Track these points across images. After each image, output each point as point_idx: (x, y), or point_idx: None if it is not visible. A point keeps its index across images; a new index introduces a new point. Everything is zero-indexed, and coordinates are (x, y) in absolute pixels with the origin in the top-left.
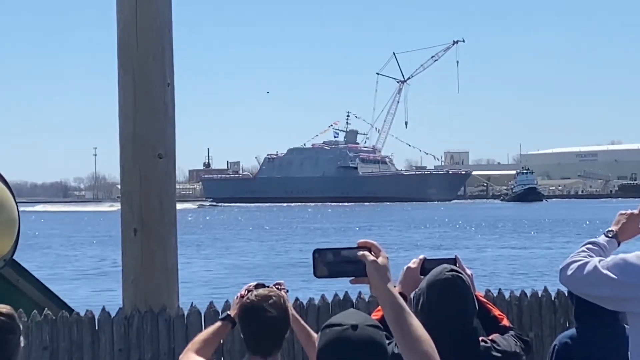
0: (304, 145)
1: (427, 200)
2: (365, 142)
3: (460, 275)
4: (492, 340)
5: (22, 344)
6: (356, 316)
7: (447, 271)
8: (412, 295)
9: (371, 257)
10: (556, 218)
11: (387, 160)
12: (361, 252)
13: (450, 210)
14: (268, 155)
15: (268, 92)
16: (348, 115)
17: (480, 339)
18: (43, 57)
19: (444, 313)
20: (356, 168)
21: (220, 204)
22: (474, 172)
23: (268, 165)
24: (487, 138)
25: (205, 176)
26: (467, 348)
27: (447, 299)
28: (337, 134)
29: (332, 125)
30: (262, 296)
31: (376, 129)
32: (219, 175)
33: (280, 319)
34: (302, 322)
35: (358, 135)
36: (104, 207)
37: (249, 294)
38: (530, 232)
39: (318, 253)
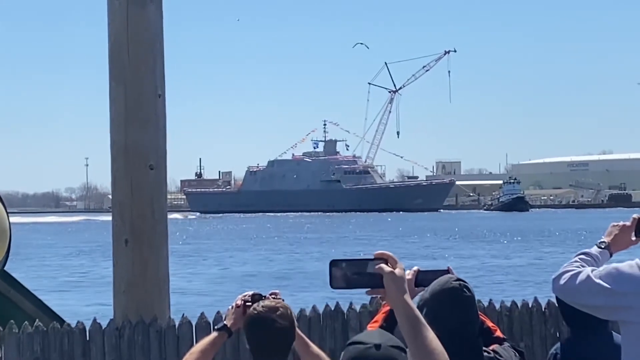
0: (284, 153)
1: (414, 211)
2: (347, 149)
3: (467, 284)
4: (494, 351)
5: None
6: (380, 336)
7: (454, 280)
8: None
9: (388, 269)
10: (544, 228)
11: (370, 169)
12: (378, 264)
13: (434, 221)
14: (249, 167)
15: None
16: (325, 124)
17: (483, 349)
18: (34, 67)
19: (452, 322)
20: (339, 181)
21: (208, 216)
22: (458, 182)
23: (250, 178)
24: (479, 148)
25: (189, 190)
26: (472, 358)
27: (456, 308)
28: (317, 144)
29: (309, 133)
30: (270, 307)
31: (367, 141)
32: (203, 189)
33: (288, 329)
34: (300, 332)
35: (337, 143)
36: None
37: (256, 305)
38: (518, 241)
39: (334, 264)
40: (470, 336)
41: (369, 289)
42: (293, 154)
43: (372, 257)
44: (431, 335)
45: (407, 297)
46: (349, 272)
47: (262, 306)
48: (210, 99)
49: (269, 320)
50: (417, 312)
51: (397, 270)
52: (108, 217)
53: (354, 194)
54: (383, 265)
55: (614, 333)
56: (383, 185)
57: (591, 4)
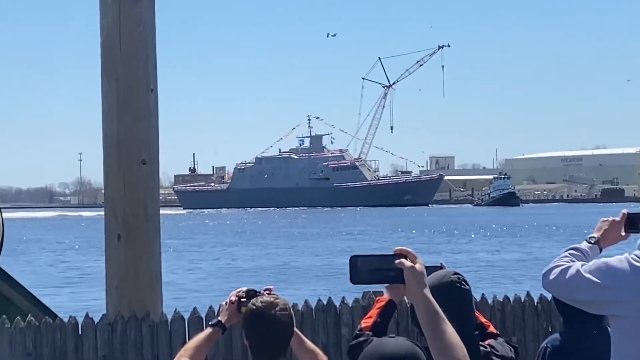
0: (270, 147)
1: (404, 206)
2: (332, 143)
3: (464, 278)
4: (490, 345)
5: None
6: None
7: (452, 274)
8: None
9: (409, 264)
10: (534, 223)
11: (358, 163)
12: (398, 259)
13: (423, 217)
14: (237, 164)
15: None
16: (309, 119)
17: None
18: (27, 62)
19: (450, 316)
20: (328, 179)
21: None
22: (448, 177)
23: (239, 176)
24: (473, 143)
25: (178, 187)
26: (468, 352)
27: (454, 302)
28: (303, 141)
29: (294, 128)
30: (269, 303)
31: (359, 139)
32: (193, 186)
33: (288, 325)
34: (295, 328)
35: (323, 137)
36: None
37: (254, 300)
38: (509, 236)
39: (355, 260)
40: (467, 330)
41: (389, 284)
42: (280, 149)
43: (392, 252)
44: (450, 330)
45: (427, 291)
46: (369, 268)
47: (261, 302)
48: (205, 94)
49: (269, 316)
50: (437, 306)
51: (417, 265)
52: (89, 213)
53: (343, 191)
54: (404, 261)
55: (609, 328)
56: (372, 182)
57: (585, 1)
